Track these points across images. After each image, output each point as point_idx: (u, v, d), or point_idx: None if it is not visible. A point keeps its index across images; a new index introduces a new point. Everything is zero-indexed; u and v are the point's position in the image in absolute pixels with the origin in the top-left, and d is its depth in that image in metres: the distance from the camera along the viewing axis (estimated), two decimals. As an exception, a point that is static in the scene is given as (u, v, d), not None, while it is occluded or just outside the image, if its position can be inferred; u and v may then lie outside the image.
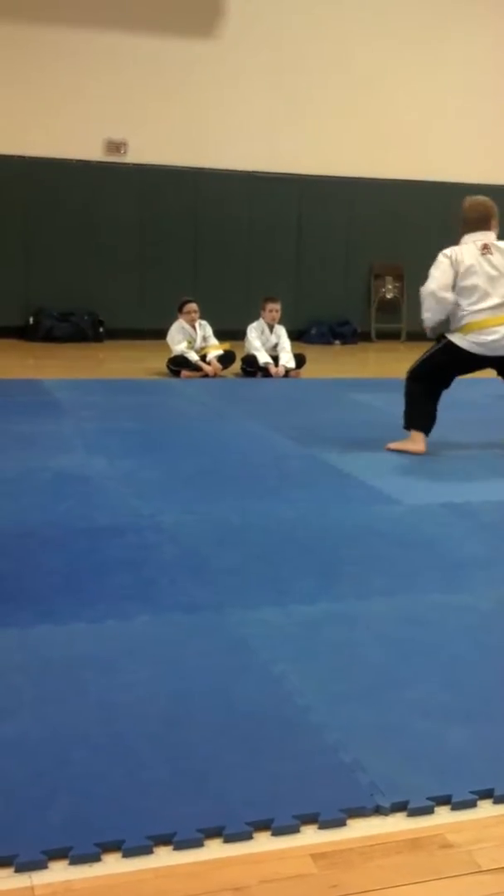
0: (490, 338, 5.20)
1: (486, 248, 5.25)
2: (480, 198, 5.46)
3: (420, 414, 5.40)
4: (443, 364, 5.38)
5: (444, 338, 5.36)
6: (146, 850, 1.80)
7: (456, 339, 5.29)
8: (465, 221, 5.38)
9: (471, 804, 2.00)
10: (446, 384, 5.44)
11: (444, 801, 2.00)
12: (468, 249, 5.29)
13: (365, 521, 4.04)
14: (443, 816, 1.97)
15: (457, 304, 5.26)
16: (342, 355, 11.07)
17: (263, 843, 1.85)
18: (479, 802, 2.01)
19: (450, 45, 11.98)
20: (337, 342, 11.91)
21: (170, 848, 1.82)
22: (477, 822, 1.95)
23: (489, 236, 5.31)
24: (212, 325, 8.86)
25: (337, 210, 11.93)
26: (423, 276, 5.54)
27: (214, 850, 1.82)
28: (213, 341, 8.79)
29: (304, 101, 11.51)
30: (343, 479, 4.78)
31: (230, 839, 1.84)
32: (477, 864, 1.82)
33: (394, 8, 11.71)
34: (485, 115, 12.14)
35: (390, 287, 12.34)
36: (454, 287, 5.24)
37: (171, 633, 2.80)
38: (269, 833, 1.87)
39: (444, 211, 10.31)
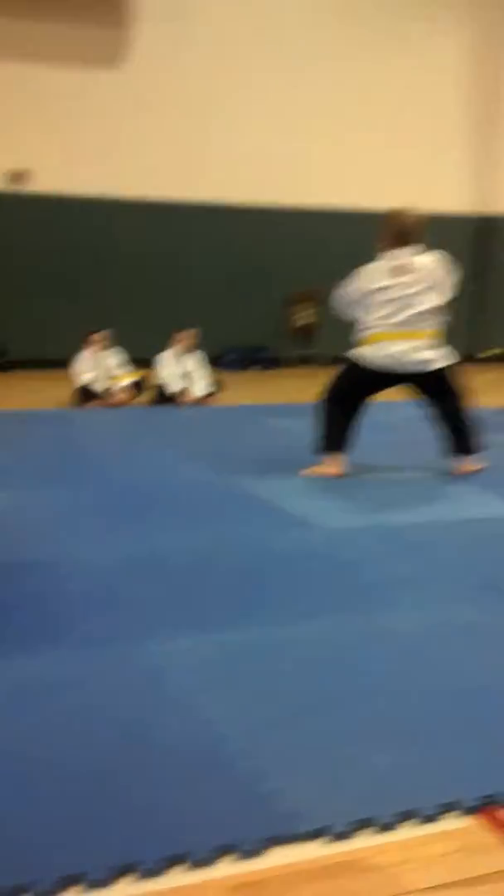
0: (388, 351, 5.25)
1: (399, 269, 5.28)
2: (405, 212, 5.41)
3: (333, 435, 5.41)
4: (352, 381, 5.42)
5: (351, 355, 5.41)
6: (56, 892, 1.71)
7: (359, 353, 5.36)
8: (388, 236, 5.37)
9: (393, 826, 1.95)
10: (360, 402, 5.46)
11: (367, 824, 1.95)
12: (381, 267, 5.33)
13: (284, 547, 3.99)
14: (365, 840, 1.92)
15: (361, 318, 5.36)
16: (258, 381, 11.07)
17: (180, 877, 1.77)
18: (401, 824, 1.97)
19: (360, 78, 12.16)
20: (252, 368, 11.93)
21: (80, 888, 1.73)
22: (399, 843, 1.91)
23: (407, 254, 5.32)
24: (123, 353, 8.77)
25: (251, 237, 11.98)
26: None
27: (128, 887, 1.74)
28: (124, 369, 8.70)
29: (214, 130, 11.55)
30: (261, 504, 4.73)
31: (145, 875, 1.76)
32: (401, 887, 1.77)
33: (305, 41, 11.86)
34: (394, 146, 12.33)
35: (305, 313, 12.41)
36: (360, 300, 5.36)
37: (82, 669, 2.70)
38: (185, 866, 1.80)
39: (358, 239, 10.40)
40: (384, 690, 2.59)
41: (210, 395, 8.64)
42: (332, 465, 5.36)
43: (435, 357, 5.35)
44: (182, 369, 8.67)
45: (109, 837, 1.86)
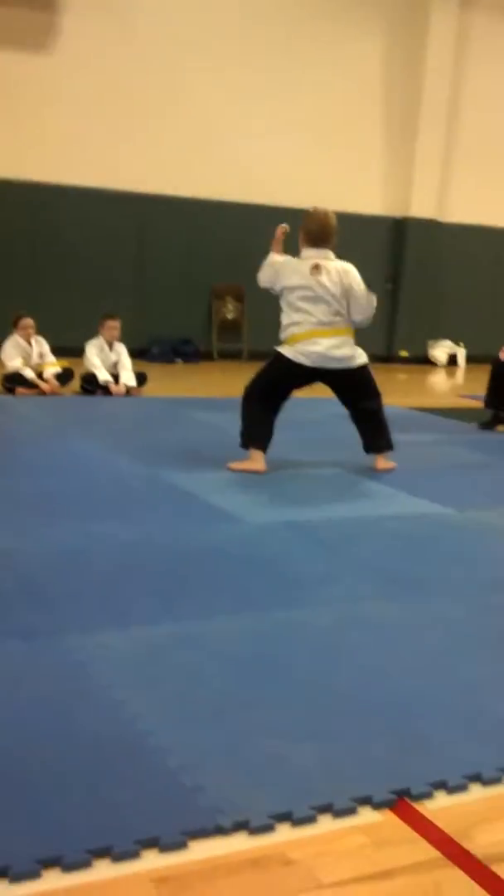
0: (313, 349, 5.37)
1: (316, 269, 5.38)
2: (324, 212, 5.51)
3: (257, 431, 5.49)
4: (276, 377, 5.52)
5: (276, 352, 5.50)
6: (-20, 887, 1.74)
7: (284, 350, 5.46)
8: (305, 234, 5.48)
9: (311, 820, 2.02)
10: (282, 398, 5.56)
11: (285, 817, 2.01)
12: (299, 267, 5.43)
13: (208, 541, 4.05)
14: (284, 833, 1.98)
15: (284, 316, 5.49)
16: (184, 374, 11.10)
17: (103, 870, 1.81)
18: (319, 817, 2.03)
19: (284, 75, 12.24)
20: (179, 361, 11.95)
21: (6, 882, 1.76)
22: (317, 837, 1.97)
23: (325, 254, 5.44)
24: (49, 341, 8.70)
25: (178, 229, 11.99)
26: (262, 298, 5.66)
27: (52, 880, 1.77)
28: (51, 358, 8.63)
29: (141, 121, 11.53)
30: (186, 498, 4.78)
31: (68, 868, 1.80)
32: (317, 879, 1.83)
33: (232, 41, 11.88)
34: (317, 143, 12.46)
35: (231, 307, 12.47)
36: (281, 295, 5.51)
37: (5, 662, 2.71)
38: (109, 860, 1.84)
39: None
40: (302, 685, 2.66)
41: (136, 386, 8.63)
42: (256, 462, 5.43)
43: (355, 355, 5.49)
44: (108, 359, 8.65)
45: (33, 831, 1.89)
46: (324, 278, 5.35)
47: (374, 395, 5.65)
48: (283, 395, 5.56)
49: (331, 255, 5.46)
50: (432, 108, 13.03)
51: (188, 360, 12.00)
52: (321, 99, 12.47)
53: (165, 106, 11.64)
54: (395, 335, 13.40)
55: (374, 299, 5.47)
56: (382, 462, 5.70)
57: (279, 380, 5.51)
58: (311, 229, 5.46)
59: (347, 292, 5.37)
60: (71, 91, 11.18)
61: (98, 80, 11.26)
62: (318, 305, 5.38)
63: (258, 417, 5.50)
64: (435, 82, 12.95)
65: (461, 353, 13.67)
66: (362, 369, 5.54)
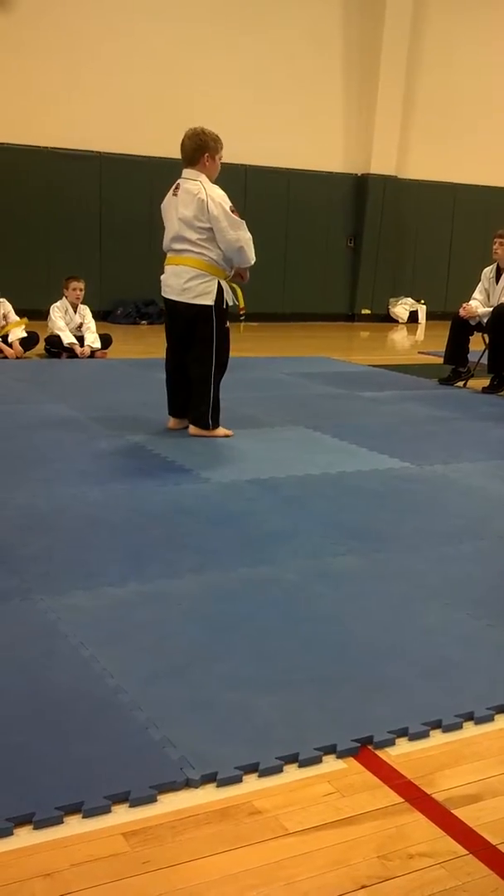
0: (163, 277, 5.21)
1: (176, 189, 5.11)
2: (193, 130, 5.10)
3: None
4: (166, 325, 5.38)
5: None
6: (-48, 844, 1.77)
7: None
8: (181, 156, 5.11)
9: (277, 770, 2.07)
10: (173, 350, 5.32)
11: (252, 769, 2.06)
12: (171, 191, 5.21)
13: (174, 501, 4.08)
14: (251, 784, 2.03)
15: None
16: (149, 335, 11.04)
17: (74, 826, 1.85)
18: (285, 768, 2.09)
19: (248, 36, 12.10)
20: (143, 322, 11.88)
21: (-22, 840, 1.80)
22: (283, 786, 2.03)
23: (191, 174, 5.06)
24: (11, 304, 8.61)
25: (138, 189, 11.86)
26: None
27: (25, 837, 1.81)
28: (14, 317, 8.52)
29: (97, 79, 11.37)
30: (152, 459, 4.80)
31: (40, 825, 1.84)
32: (284, 828, 1.89)
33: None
34: (277, 100, 12.34)
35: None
36: None
37: (-24, 623, 2.74)
38: (80, 816, 1.88)
39: (241, 193, 10.46)
40: (266, 638, 2.71)
41: (101, 348, 8.59)
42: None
43: (194, 289, 5.05)
44: (73, 322, 8.59)
45: (4, 789, 1.92)
46: (179, 199, 5.00)
47: (205, 353, 5.17)
48: (174, 345, 5.26)
49: (199, 175, 5.04)
50: (392, 62, 12.92)
51: (153, 322, 11.94)
52: (280, 56, 12.33)
53: (121, 64, 11.46)
54: (357, 293, 13.37)
55: (241, 227, 4.97)
56: (193, 429, 5.36)
57: (167, 327, 5.30)
58: (181, 152, 5.08)
59: (212, 220, 4.93)
60: (26, 50, 10.98)
61: (54, 38, 11.06)
62: (168, 230, 5.11)
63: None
64: (394, 35, 12.83)
65: (422, 311, 13.70)
66: (201, 310, 5.07)
